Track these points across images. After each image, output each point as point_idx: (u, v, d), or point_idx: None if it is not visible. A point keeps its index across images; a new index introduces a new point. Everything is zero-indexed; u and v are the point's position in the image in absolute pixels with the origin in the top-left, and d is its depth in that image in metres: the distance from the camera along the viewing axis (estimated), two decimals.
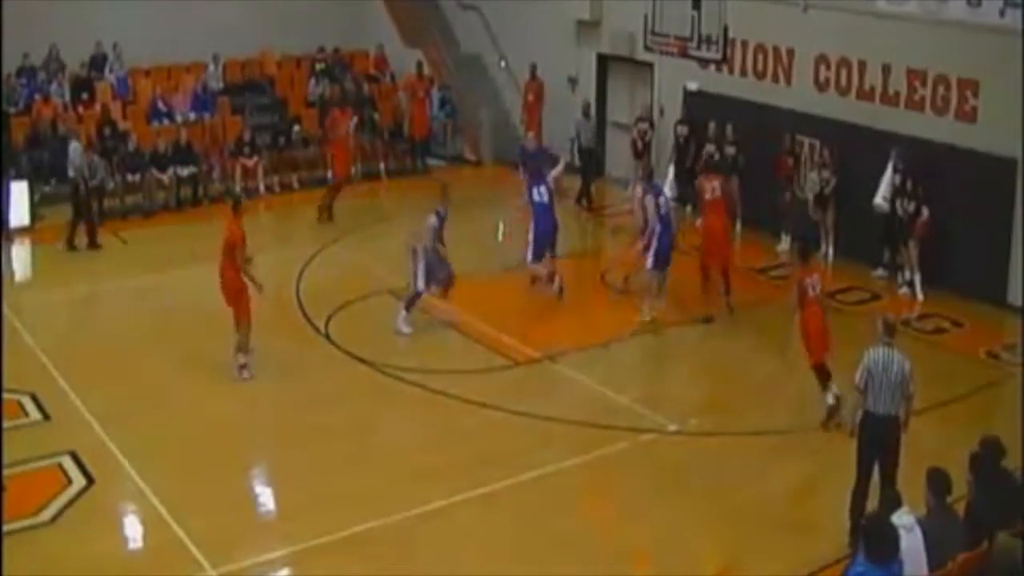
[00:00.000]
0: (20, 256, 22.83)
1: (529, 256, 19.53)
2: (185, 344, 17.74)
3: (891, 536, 8.95)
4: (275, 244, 22.47)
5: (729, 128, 22.87)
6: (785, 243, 22.08)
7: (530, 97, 27.67)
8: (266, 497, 14.04)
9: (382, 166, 28.13)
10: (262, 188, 26.04)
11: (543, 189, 19.64)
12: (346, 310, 19.13)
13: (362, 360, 17.24)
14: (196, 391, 16.16)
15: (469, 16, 30.45)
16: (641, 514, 13.29)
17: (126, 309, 19.67)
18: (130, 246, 22.54)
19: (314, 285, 20.34)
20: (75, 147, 23.25)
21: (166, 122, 27.07)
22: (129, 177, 24.85)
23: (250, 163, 25.69)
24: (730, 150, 22.85)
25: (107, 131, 25.75)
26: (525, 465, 14.13)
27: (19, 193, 23.87)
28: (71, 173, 22.93)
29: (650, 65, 25.54)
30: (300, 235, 23.74)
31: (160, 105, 27.44)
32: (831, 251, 21.32)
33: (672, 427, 15.28)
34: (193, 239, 21.06)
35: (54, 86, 27.12)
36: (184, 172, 25.21)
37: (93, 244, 22.35)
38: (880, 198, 19.94)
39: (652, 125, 25.43)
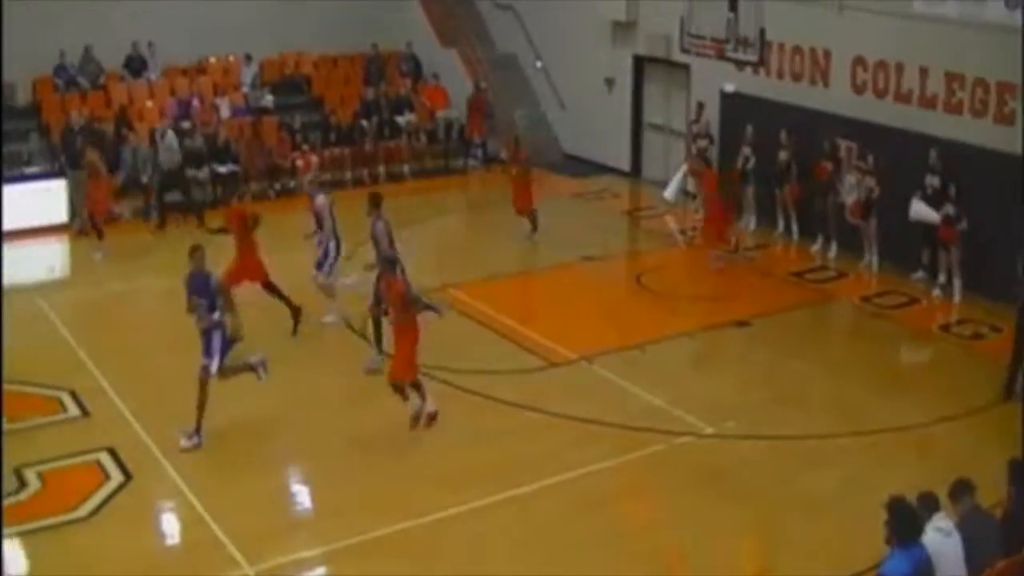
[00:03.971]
0: (58, 253, 23.00)
1: None
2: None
3: (913, 517, 9.04)
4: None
5: (783, 133, 22.67)
6: (823, 247, 22.00)
7: None
8: (302, 496, 14.09)
9: (406, 168, 28.31)
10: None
11: None
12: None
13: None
14: (234, 389, 16.17)
15: (504, 16, 30.50)
16: (677, 517, 13.28)
17: (162, 306, 19.70)
18: (168, 242, 22.62)
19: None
20: (171, 137, 24.33)
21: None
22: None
23: (308, 159, 25.76)
24: (783, 155, 22.70)
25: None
26: (560, 467, 14.14)
27: (58, 190, 24.11)
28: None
29: (686, 67, 25.48)
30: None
31: (194, 103, 27.53)
32: (875, 259, 21.16)
33: (708, 430, 15.25)
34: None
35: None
36: (223, 170, 25.31)
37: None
38: (919, 202, 19.82)
39: (712, 140, 24.96)
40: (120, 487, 13.76)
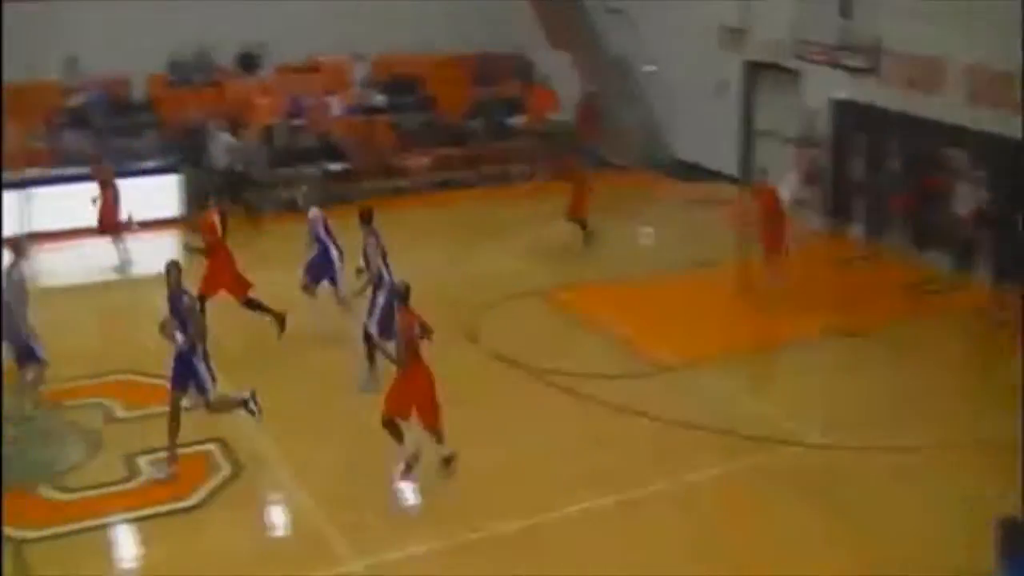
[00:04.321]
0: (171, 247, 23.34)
1: None
2: (316, 339, 17.97)
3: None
4: (426, 240, 22.59)
5: (895, 142, 22.27)
6: (935, 258, 21.64)
7: None
8: (410, 493, 14.10)
9: (515, 170, 28.29)
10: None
11: None
12: (491, 310, 19.22)
13: (507, 361, 17.32)
14: (345, 385, 16.33)
15: (616, 19, 30.42)
16: (781, 527, 13.17)
17: (273, 300, 19.93)
18: (278, 238, 22.84)
19: (461, 283, 20.53)
20: (225, 138, 24.27)
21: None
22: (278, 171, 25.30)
23: (419, 160, 25.94)
24: (895, 164, 22.33)
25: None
26: (668, 472, 14.13)
27: (171, 186, 24.52)
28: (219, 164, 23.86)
29: (798, 73, 25.25)
30: (444, 232, 23.92)
31: (306, 101, 27.81)
32: (988, 270, 20.75)
33: (815, 439, 15.10)
34: (337, 233, 21.25)
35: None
36: (334, 168, 25.54)
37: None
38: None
39: (821, 147, 24.65)
40: (230, 478, 13.93)
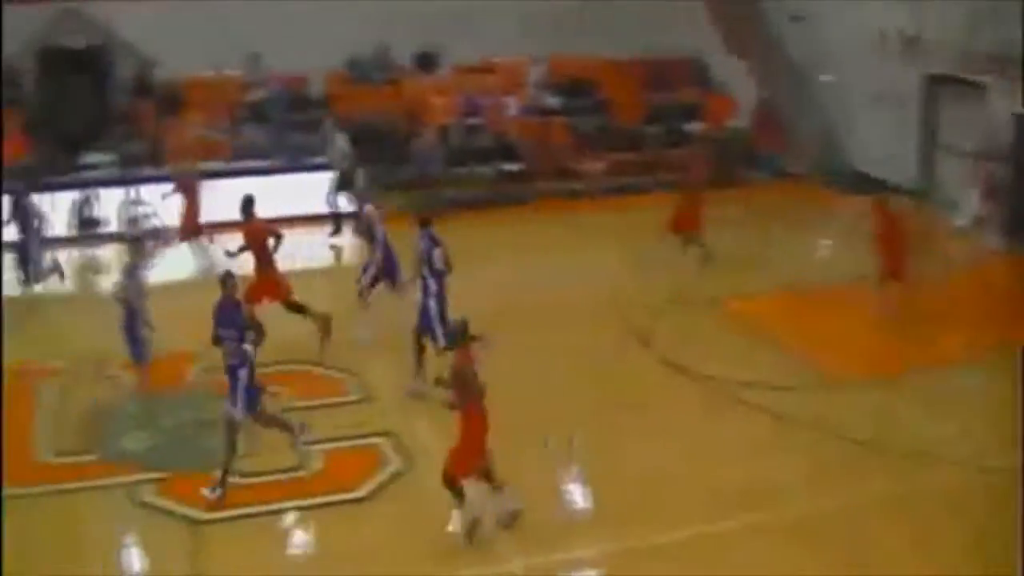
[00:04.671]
0: (345, 241, 23.69)
1: None
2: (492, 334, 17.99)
3: None
4: (598, 243, 22.55)
5: None
6: None
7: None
8: (577, 496, 14.04)
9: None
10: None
11: None
12: (662, 315, 19.09)
13: (676, 366, 17.20)
14: (518, 382, 16.34)
15: (795, 26, 29.99)
16: (957, 553, 12.78)
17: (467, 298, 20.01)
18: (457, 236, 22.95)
19: (634, 288, 20.46)
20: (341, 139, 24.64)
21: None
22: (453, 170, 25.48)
23: (594, 164, 25.96)
24: None
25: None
26: (836, 489, 13.84)
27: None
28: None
29: (981, 86, 24.61)
30: (616, 237, 23.84)
31: (482, 102, 27.96)
32: None
33: (992, 463, 14.62)
34: (512, 234, 21.39)
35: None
36: (509, 168, 25.63)
37: None
38: None
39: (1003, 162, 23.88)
40: (398, 472, 14.05)
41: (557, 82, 29.52)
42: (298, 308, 17.67)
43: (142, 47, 27.40)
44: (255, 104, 27.01)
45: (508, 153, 26.17)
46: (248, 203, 17.86)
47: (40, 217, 20.58)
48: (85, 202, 24.38)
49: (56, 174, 25.22)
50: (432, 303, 16.06)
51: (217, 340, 13.72)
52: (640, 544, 12.61)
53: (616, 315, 19.13)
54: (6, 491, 13.28)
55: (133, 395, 16.01)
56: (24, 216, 20.38)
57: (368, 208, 18.72)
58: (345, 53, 28.16)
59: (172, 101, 26.75)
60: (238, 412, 13.31)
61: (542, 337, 17.60)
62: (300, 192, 24.03)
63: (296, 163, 24.74)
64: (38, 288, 20.13)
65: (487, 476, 12.66)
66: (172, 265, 21.29)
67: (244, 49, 26.88)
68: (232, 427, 13.37)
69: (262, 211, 21.89)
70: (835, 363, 17.52)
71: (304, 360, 17.13)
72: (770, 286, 20.75)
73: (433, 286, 16.10)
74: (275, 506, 13.36)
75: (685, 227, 21.62)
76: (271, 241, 17.63)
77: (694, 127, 28.79)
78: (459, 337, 12.75)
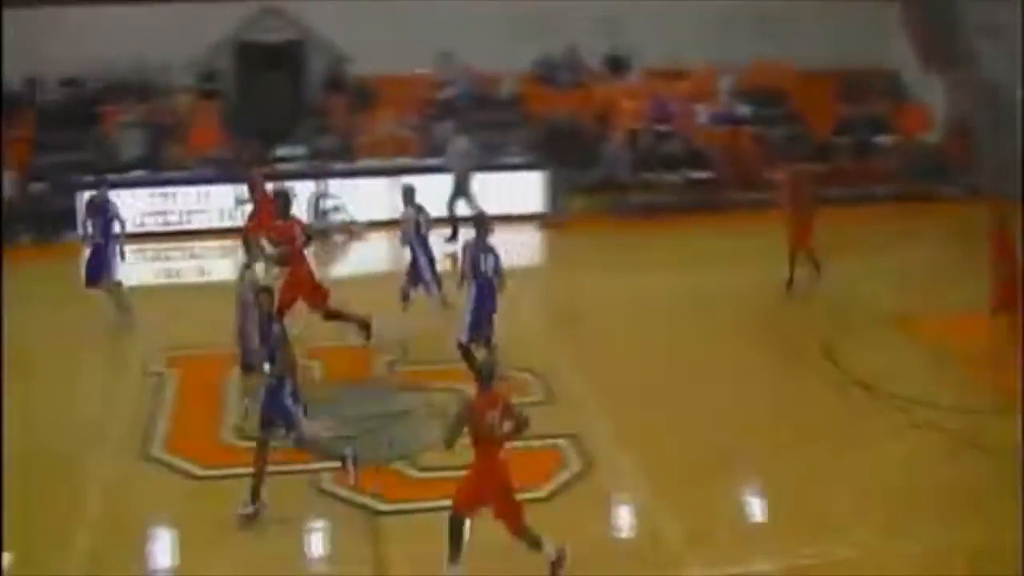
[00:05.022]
0: (527, 242, 23.75)
1: None
2: (677, 342, 17.87)
3: None
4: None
5: None
6: None
7: None
8: (754, 507, 13.83)
9: (880, 190, 27.48)
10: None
11: None
12: (847, 332, 18.71)
13: (862, 384, 16.75)
14: (695, 390, 16.21)
15: (991, 40, 29.11)
16: None
17: (627, 301, 19.96)
18: (634, 239, 22.91)
19: (818, 302, 20.12)
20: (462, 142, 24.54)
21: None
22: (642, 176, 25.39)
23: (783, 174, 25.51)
24: None
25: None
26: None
27: (535, 182, 24.90)
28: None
29: None
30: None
31: (669, 107, 27.77)
32: None
33: None
34: (697, 242, 21.17)
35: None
36: (697, 176, 25.42)
37: None
38: None
39: None
40: (579, 474, 13.94)
41: (747, 91, 29.21)
42: (336, 315, 17.34)
43: (337, 43, 27.89)
44: (446, 102, 27.25)
45: (696, 160, 25.97)
46: (286, 202, 17.80)
47: (121, 220, 19.45)
48: (322, 194, 24.78)
49: (250, 166, 25.74)
50: (471, 309, 15.97)
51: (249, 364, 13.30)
52: (818, 561, 12.27)
53: (799, 329, 18.79)
54: (197, 471, 13.53)
55: (320, 384, 16.22)
56: (104, 217, 19.28)
57: (407, 211, 18.63)
58: (536, 54, 28.25)
59: (364, 97, 27.14)
60: (291, 433, 12.87)
61: (720, 349, 17.36)
62: (488, 192, 24.10)
63: (485, 162, 24.84)
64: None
65: (517, 533, 11.61)
66: (361, 258, 21.56)
67: (437, 47, 27.15)
68: (263, 446, 12.83)
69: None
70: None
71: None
72: (960, 305, 20.13)
73: (474, 291, 15.93)
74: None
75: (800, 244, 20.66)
76: (300, 242, 17.40)
77: (884, 139, 28.17)
78: (485, 378, 11.62)
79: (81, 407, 16.00)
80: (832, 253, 21.68)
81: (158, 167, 24.57)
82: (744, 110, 28.50)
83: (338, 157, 26.07)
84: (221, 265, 22.45)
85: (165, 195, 24.19)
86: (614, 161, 25.38)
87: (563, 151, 25.53)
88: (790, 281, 20.41)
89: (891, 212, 26.51)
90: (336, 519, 13.08)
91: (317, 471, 13.82)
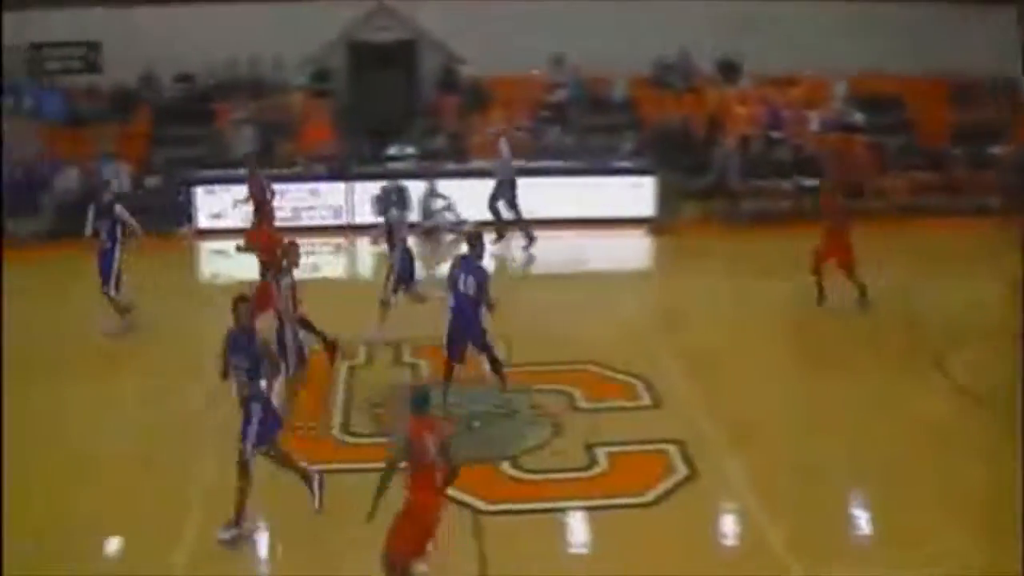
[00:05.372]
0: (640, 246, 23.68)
1: None
2: (785, 349, 17.71)
3: None
4: (895, 263, 21.90)
5: None
6: None
7: None
8: (861, 518, 13.53)
9: (995, 201, 26.87)
10: None
11: None
12: (960, 343, 18.37)
13: (972, 396, 16.50)
14: (803, 397, 16.05)
15: None
16: None
17: (735, 308, 19.79)
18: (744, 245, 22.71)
19: (931, 312, 19.72)
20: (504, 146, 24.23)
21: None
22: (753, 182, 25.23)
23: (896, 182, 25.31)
24: None
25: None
26: None
27: (646, 186, 24.86)
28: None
29: None
30: (912, 258, 23.08)
31: (782, 114, 27.53)
32: None
33: None
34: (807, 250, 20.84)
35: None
36: (808, 183, 25.22)
37: None
38: None
39: None
40: (684, 480, 13.80)
41: (860, 98, 28.84)
42: (307, 325, 16.38)
43: (450, 44, 28.02)
44: (557, 105, 27.26)
45: (808, 168, 25.66)
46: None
47: (130, 226, 19.04)
48: (430, 193, 24.94)
49: (361, 164, 26.00)
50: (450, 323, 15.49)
51: (226, 373, 12.64)
52: (925, 574, 12.08)
53: (910, 339, 18.49)
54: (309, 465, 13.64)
55: (426, 383, 16.26)
56: (111, 221, 18.87)
57: (392, 213, 18.90)
58: (649, 58, 28.17)
59: (476, 98, 27.24)
60: (247, 447, 12.27)
61: (829, 357, 17.19)
62: (598, 195, 24.09)
63: (596, 166, 24.82)
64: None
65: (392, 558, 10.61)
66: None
67: (549, 50, 27.19)
68: (244, 464, 12.36)
69: (558, 212, 22.33)
70: None
71: (590, 361, 17.13)
72: None
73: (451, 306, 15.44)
74: (559, 503, 13.28)
75: (841, 264, 19.62)
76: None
77: (1000, 149, 27.67)
78: (416, 405, 10.80)
79: (192, 401, 16.10)
80: (944, 265, 21.41)
81: (270, 164, 24.82)
82: (858, 117, 28.12)
83: (449, 157, 26.16)
84: (331, 262, 22.67)
85: (276, 192, 24.49)
86: (725, 167, 25.22)
87: (674, 156, 25.43)
88: (820, 295, 19.57)
89: (1008, 223, 25.98)
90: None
91: None
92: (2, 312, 18.49)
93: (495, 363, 15.63)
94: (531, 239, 23.58)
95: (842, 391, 16.37)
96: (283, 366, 13.45)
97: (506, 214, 23.90)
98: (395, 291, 17.96)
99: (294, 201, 25.22)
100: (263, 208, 21.30)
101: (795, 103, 28.14)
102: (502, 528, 12.82)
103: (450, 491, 13.16)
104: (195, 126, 27.60)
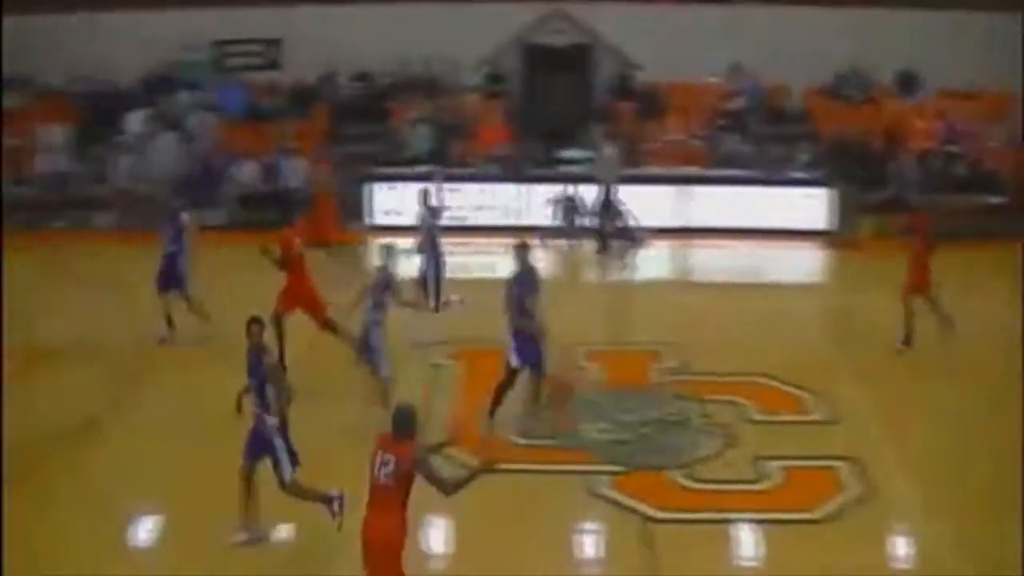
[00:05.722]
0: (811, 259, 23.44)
1: None
2: (964, 370, 17.40)
3: None
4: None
5: None
6: None
7: None
8: None
9: None
10: None
11: None
12: None
13: None
14: (983, 418, 15.67)
15: None
16: None
17: (918, 325, 19.28)
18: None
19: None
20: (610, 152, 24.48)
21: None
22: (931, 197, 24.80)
23: None
24: None
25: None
26: None
27: (820, 198, 24.63)
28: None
29: None
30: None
31: (959, 128, 27.00)
32: None
33: None
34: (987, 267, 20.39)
35: None
36: (991, 201, 24.81)
37: None
38: None
39: None
40: (857, 499, 13.61)
41: None
42: (332, 328, 16.63)
43: (626, 49, 28.04)
44: (734, 113, 27.13)
45: (988, 184, 25.08)
46: None
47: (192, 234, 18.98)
48: (567, 199, 25.06)
49: (535, 166, 26.17)
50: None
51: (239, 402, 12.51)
52: None
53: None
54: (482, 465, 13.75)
55: (598, 388, 16.35)
56: (175, 227, 18.74)
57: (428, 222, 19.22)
58: (826, 69, 27.86)
59: (652, 104, 27.23)
60: (284, 478, 12.09)
61: (1013, 380, 16.72)
62: (773, 206, 23.92)
63: (772, 176, 24.65)
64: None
65: None
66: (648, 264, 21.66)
67: (727, 57, 27.07)
68: (246, 476, 12.29)
69: (733, 222, 22.16)
70: None
71: (763, 373, 17.03)
72: None
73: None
74: (727, 515, 13.20)
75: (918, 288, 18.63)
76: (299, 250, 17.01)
77: None
78: (401, 427, 10.01)
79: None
80: None
81: (444, 163, 25.09)
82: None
83: (624, 163, 26.18)
84: (503, 261, 22.74)
85: (452, 191, 24.75)
86: (903, 181, 24.80)
87: (850, 168, 25.11)
88: (908, 337, 18.36)
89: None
90: (609, 523, 13.15)
91: (592, 473, 13.99)
92: (2, 309, 18.53)
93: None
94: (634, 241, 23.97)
95: (930, 413, 16.08)
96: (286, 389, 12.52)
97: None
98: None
99: (469, 200, 25.41)
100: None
101: (974, 117, 27.53)
102: (670, 537, 12.79)
103: (618, 496, 13.35)
104: (371, 124, 28.01)
